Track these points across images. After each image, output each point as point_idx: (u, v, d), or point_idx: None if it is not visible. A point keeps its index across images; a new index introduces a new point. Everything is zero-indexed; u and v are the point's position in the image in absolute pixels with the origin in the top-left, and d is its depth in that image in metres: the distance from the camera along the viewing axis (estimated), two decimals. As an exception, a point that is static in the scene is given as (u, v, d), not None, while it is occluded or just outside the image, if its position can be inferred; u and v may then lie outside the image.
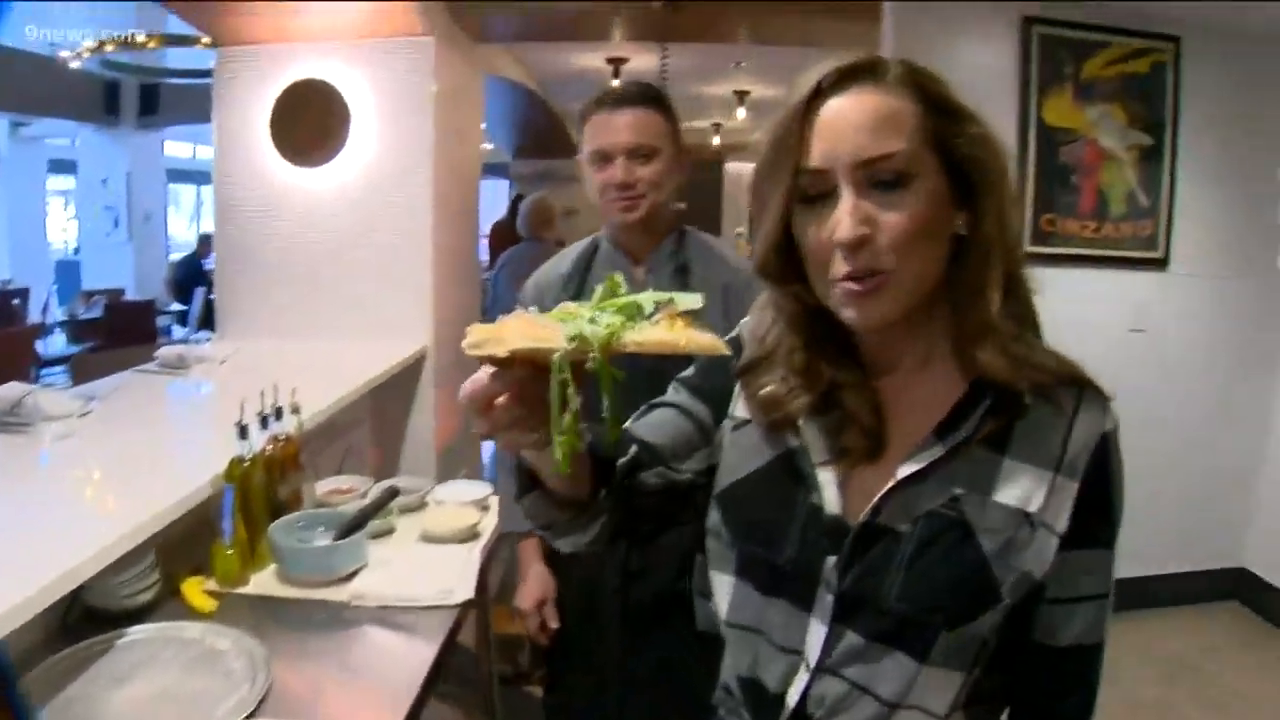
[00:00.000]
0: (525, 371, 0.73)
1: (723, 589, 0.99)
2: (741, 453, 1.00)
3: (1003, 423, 0.88)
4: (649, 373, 0.91)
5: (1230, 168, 3.76)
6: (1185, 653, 3.59)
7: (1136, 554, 4.02)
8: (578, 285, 1.87)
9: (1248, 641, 3.74)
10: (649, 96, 1.81)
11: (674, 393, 1.08)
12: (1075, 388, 0.89)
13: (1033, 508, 0.87)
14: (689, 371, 1.08)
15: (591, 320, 0.70)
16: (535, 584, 1.94)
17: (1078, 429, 0.88)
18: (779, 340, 0.97)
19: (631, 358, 0.71)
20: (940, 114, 0.87)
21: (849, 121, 0.86)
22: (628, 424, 1.05)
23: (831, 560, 0.90)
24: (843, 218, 0.84)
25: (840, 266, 0.85)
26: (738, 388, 1.02)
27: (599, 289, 0.75)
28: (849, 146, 0.85)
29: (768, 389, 0.96)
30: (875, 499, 0.90)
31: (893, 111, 0.86)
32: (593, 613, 1.90)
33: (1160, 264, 3.73)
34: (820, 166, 0.86)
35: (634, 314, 0.72)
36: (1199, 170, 3.73)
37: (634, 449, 1.00)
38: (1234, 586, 4.03)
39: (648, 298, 0.73)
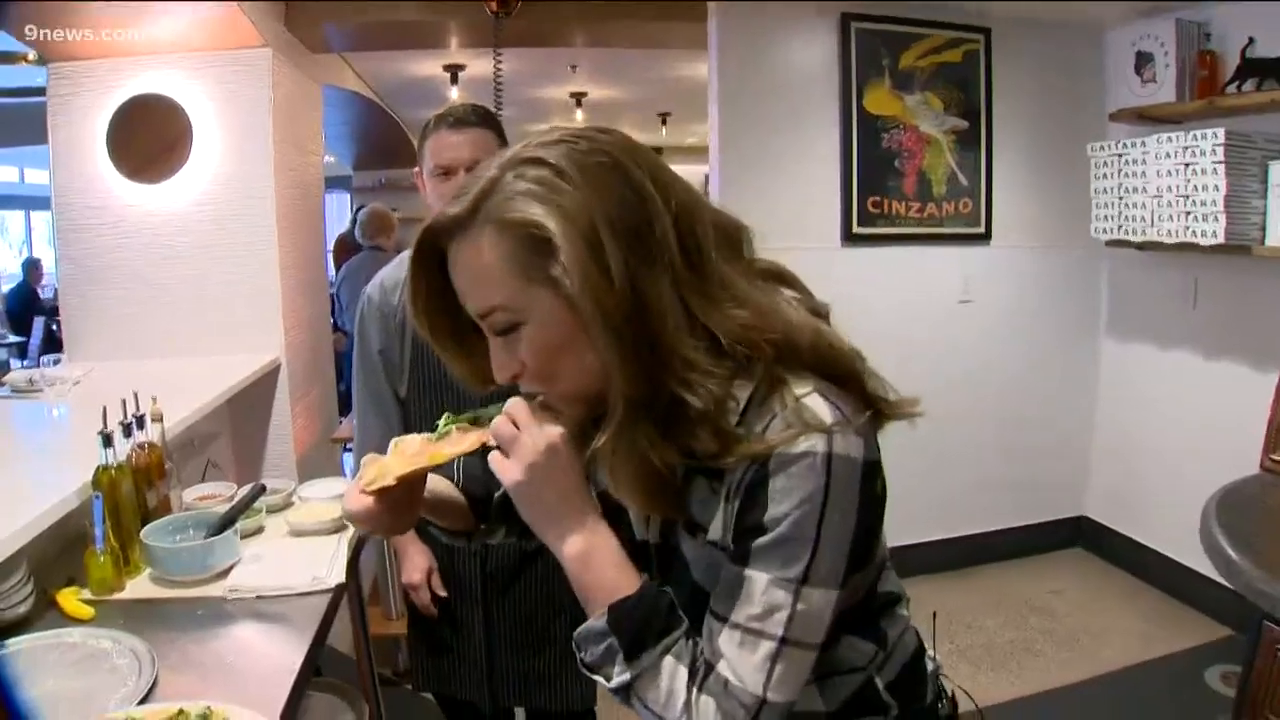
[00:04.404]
0: (397, 489, 0.95)
1: None
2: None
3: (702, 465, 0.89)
4: None
5: (1042, 146, 4.05)
6: (1035, 596, 3.86)
7: (984, 510, 4.33)
8: None
9: (1092, 582, 4.04)
10: (484, 118, 2.00)
11: None
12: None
13: (716, 536, 0.89)
14: None
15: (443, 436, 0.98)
16: (419, 557, 2.11)
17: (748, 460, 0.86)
18: None
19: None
20: (533, 249, 0.83)
21: (458, 281, 0.90)
22: None
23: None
24: (494, 365, 0.92)
25: None
26: None
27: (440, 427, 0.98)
28: (467, 303, 0.90)
29: None
30: (656, 523, 0.99)
31: (482, 266, 0.86)
32: (455, 575, 2.11)
33: (983, 238, 3.99)
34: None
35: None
36: (1014, 150, 4.01)
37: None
38: (1076, 533, 4.35)
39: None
